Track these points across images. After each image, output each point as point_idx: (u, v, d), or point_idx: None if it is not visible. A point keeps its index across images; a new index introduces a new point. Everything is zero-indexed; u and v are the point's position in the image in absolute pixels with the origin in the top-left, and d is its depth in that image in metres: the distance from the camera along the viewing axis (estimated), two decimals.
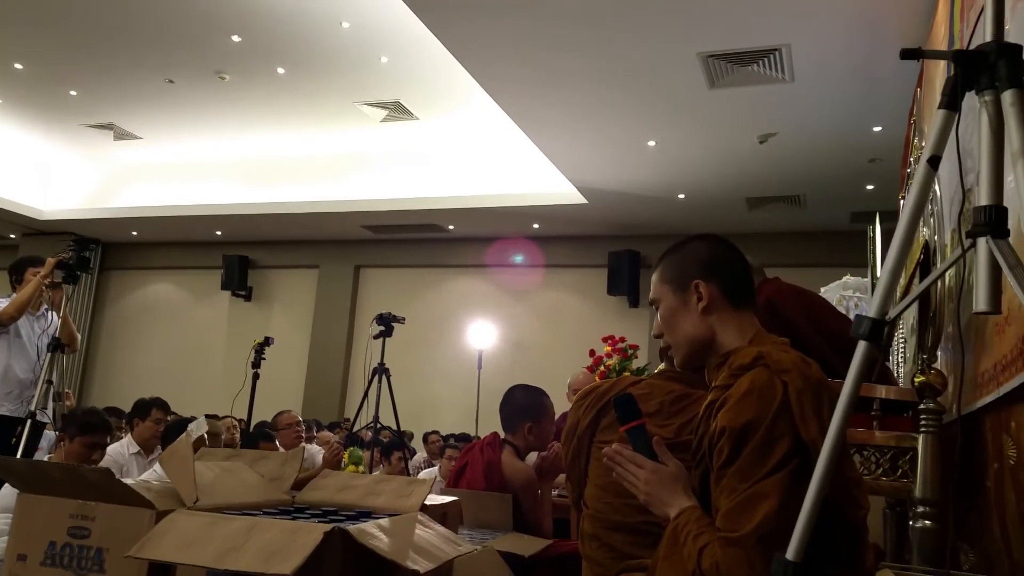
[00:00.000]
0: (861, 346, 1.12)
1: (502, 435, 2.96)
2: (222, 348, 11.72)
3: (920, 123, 3.64)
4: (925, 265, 3.11)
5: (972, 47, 1.13)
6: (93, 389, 12.19)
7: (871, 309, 1.13)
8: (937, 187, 3.13)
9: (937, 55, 0.95)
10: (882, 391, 2.90)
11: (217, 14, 6.56)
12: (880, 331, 1.12)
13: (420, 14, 5.44)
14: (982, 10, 1.10)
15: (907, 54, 1.15)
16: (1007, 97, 1.04)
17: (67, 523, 1.23)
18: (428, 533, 1.35)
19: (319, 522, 1.28)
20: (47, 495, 1.26)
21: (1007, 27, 1.15)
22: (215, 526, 1.15)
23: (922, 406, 2.63)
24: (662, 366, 3.86)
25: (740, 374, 1.47)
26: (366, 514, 1.44)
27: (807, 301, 3.13)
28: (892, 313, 1.11)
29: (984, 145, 1.06)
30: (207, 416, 8.44)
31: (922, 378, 2.67)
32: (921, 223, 3.31)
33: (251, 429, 6.87)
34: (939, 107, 1.10)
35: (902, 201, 3.66)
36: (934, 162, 1.09)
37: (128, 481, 1.31)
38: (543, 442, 2.95)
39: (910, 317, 3.43)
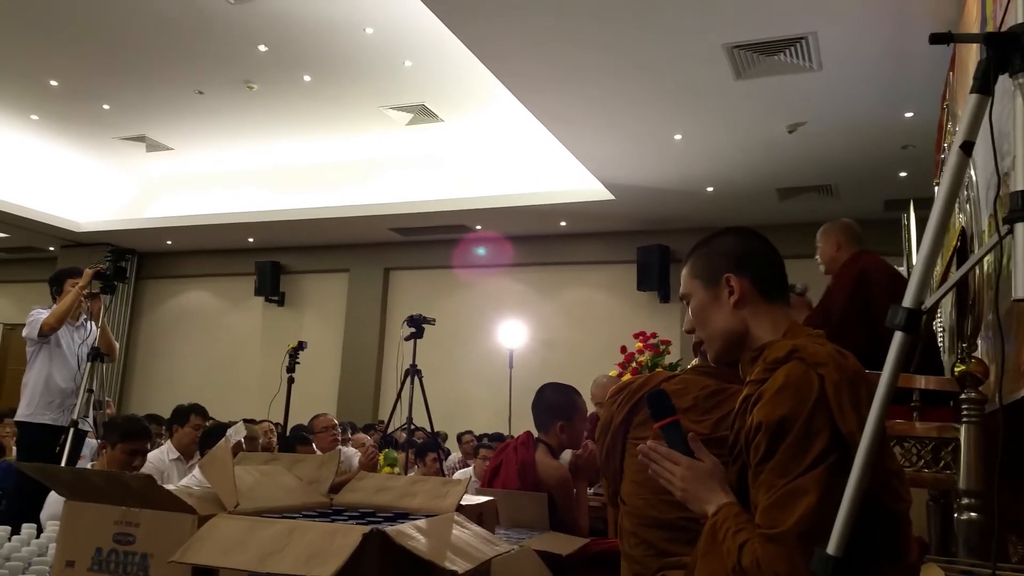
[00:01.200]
0: (897, 336, 1.10)
1: (535, 434, 2.96)
2: (257, 353, 11.86)
3: (953, 107, 3.58)
4: (962, 252, 3.06)
5: (1004, 29, 1.11)
6: (132, 397, 12.40)
7: (907, 299, 1.11)
8: (973, 172, 3.08)
9: (967, 39, 0.93)
10: (922, 381, 2.86)
11: (243, 25, 6.64)
12: (917, 321, 1.11)
13: (442, 17, 5.46)
14: None
15: (937, 38, 1.13)
16: None
17: (112, 529, 1.26)
18: (465, 533, 1.36)
19: (357, 524, 1.29)
20: (92, 502, 1.29)
21: None
22: (255, 530, 1.16)
23: (963, 396, 2.59)
24: (695, 361, 3.84)
25: (775, 368, 1.45)
26: (403, 515, 1.45)
27: (898, 286, 3.14)
28: (928, 302, 1.09)
29: (1019, 129, 1.04)
30: (244, 421, 8.58)
31: (962, 367, 2.63)
32: (957, 209, 3.25)
33: (287, 433, 6.95)
34: (971, 91, 1.08)
35: (936, 188, 3.60)
36: (967, 148, 1.07)
37: (170, 487, 1.33)
38: (576, 440, 2.95)
39: (948, 305, 3.37)
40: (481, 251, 10.37)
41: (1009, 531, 2.61)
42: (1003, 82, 1.07)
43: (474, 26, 5.54)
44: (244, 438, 4.38)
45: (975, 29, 3.92)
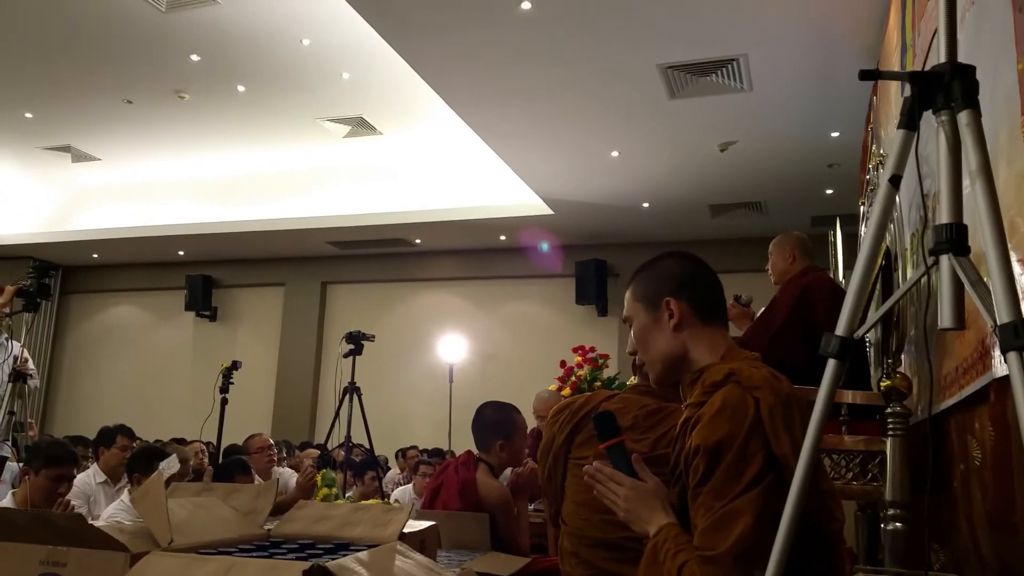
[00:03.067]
0: (831, 364, 1.14)
1: (476, 453, 2.95)
2: (188, 370, 11.55)
3: (877, 129, 3.71)
4: (887, 271, 3.17)
5: (927, 67, 1.16)
6: (56, 417, 11.93)
7: (839, 327, 1.15)
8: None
9: (893, 76, 0.97)
10: (848, 396, 2.95)
11: (175, 34, 6.49)
12: (848, 349, 1.15)
13: (382, 32, 5.44)
14: (935, 32, 1.13)
15: (865, 75, 1.17)
16: (963, 118, 1.07)
17: (38, 569, 1.21)
18: (408, 563, 1.34)
19: (297, 558, 1.26)
20: (14, 542, 1.23)
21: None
22: (190, 568, 1.13)
23: (889, 410, 2.68)
24: (633, 379, 3.89)
25: (712, 391, 1.49)
26: (344, 546, 1.43)
27: (839, 304, 3.21)
28: (860, 331, 1.13)
29: (943, 164, 1.09)
30: (174, 441, 8.33)
31: (888, 382, 2.72)
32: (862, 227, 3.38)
33: (221, 454, 6.78)
34: (898, 127, 1.13)
35: (862, 207, 3.73)
36: (895, 181, 1.11)
37: (100, 523, 1.28)
38: (517, 458, 2.95)
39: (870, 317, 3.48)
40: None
41: (932, 539, 2.70)
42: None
43: (412, 41, 5.54)
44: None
45: (896, 55, 4.08)
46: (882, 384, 2.78)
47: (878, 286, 3.25)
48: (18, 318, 4.93)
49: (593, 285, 9.73)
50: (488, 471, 2.86)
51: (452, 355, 9.86)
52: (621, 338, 9.62)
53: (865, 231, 1.15)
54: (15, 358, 4.58)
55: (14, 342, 4.74)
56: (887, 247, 3.18)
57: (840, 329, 1.14)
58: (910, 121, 1.11)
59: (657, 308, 1.63)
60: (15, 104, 8.11)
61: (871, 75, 1.17)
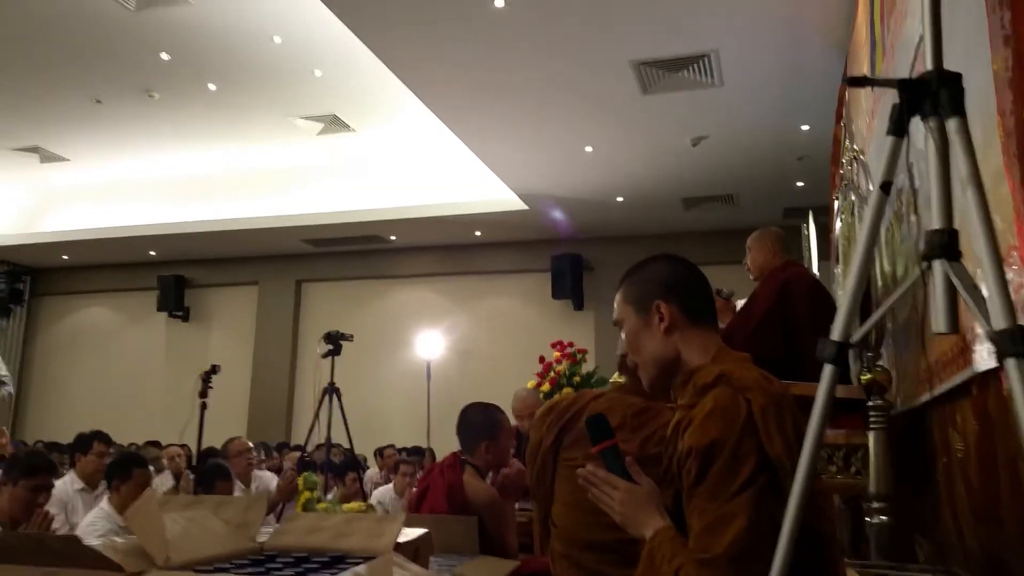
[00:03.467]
0: (827, 369, 1.15)
1: (461, 456, 2.95)
2: (161, 371, 11.42)
3: (850, 125, 3.76)
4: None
5: (914, 73, 1.17)
6: (27, 422, 11.73)
7: (835, 331, 1.16)
8: (871, 185, 3.24)
9: (883, 83, 0.98)
10: None
11: (144, 32, 6.39)
12: (845, 354, 1.16)
13: (354, 28, 5.41)
14: (920, 38, 1.15)
15: (854, 82, 1.18)
16: (951, 125, 1.08)
17: None
18: (405, 574, 1.34)
19: (295, 573, 1.26)
20: (9, 564, 1.21)
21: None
22: None
23: (870, 403, 2.71)
24: (617, 377, 3.90)
25: (704, 393, 1.49)
26: (339, 558, 1.42)
27: (818, 299, 3.25)
28: (856, 336, 1.15)
29: (932, 170, 1.10)
30: (149, 443, 8.22)
31: (868, 376, 2.76)
32: (858, 223, 3.42)
33: (199, 459, 6.70)
34: (887, 133, 1.14)
35: (836, 201, 3.76)
36: (886, 188, 1.13)
37: (93, 541, 1.27)
38: (502, 459, 2.95)
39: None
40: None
41: (916, 531, 2.75)
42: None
43: (385, 38, 5.52)
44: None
45: (865, 50, 4.13)
46: (863, 378, 2.82)
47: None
48: None
49: (568, 279, 9.76)
50: (475, 473, 2.85)
51: (429, 352, 9.84)
52: (599, 332, 9.67)
53: (860, 237, 1.16)
54: None
55: None
56: None
57: (836, 334, 1.15)
58: (899, 128, 1.12)
59: (647, 311, 1.64)
60: None
61: (859, 82, 1.18)
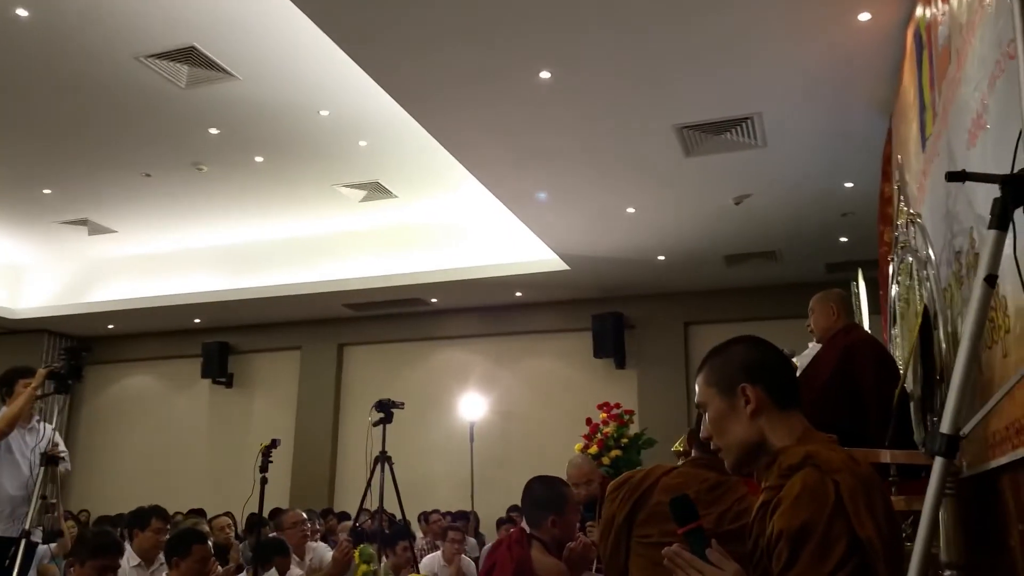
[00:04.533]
0: (938, 463, 1.14)
1: (527, 529, 2.93)
2: (205, 438, 11.51)
3: (904, 188, 3.76)
4: (926, 328, 3.17)
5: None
6: (72, 491, 11.81)
7: (944, 424, 1.16)
8: (931, 251, 3.22)
9: (982, 178, 1.00)
10: (887, 456, 2.92)
11: (195, 109, 6.61)
12: (955, 447, 1.15)
13: (399, 99, 5.54)
14: (1021, 132, 1.16)
15: (953, 177, 1.20)
16: None
17: None
18: None
19: None
20: None
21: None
22: None
23: None
24: (677, 445, 3.87)
25: (790, 474, 1.49)
26: None
27: (883, 364, 3.23)
28: (966, 429, 1.14)
29: None
30: (192, 511, 8.22)
31: None
32: (917, 286, 3.39)
33: (247, 529, 6.70)
34: (989, 227, 1.15)
35: (892, 264, 3.74)
36: (991, 280, 1.13)
37: None
38: (570, 533, 2.92)
39: (910, 379, 3.48)
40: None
41: None
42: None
43: (435, 113, 5.66)
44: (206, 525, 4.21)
45: (913, 112, 4.15)
46: (926, 438, 2.76)
47: (915, 348, 3.26)
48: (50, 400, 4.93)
49: (610, 338, 9.73)
50: (542, 548, 2.83)
51: (472, 413, 9.80)
52: (642, 391, 9.59)
53: (964, 331, 1.16)
54: (48, 441, 4.56)
55: (46, 424, 4.73)
56: (925, 306, 3.20)
57: (946, 426, 1.15)
58: (1002, 221, 1.13)
59: (732, 394, 1.64)
60: (34, 181, 8.23)
61: (958, 177, 1.20)
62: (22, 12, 5.30)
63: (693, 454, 2.54)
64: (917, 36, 4.05)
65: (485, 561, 3.04)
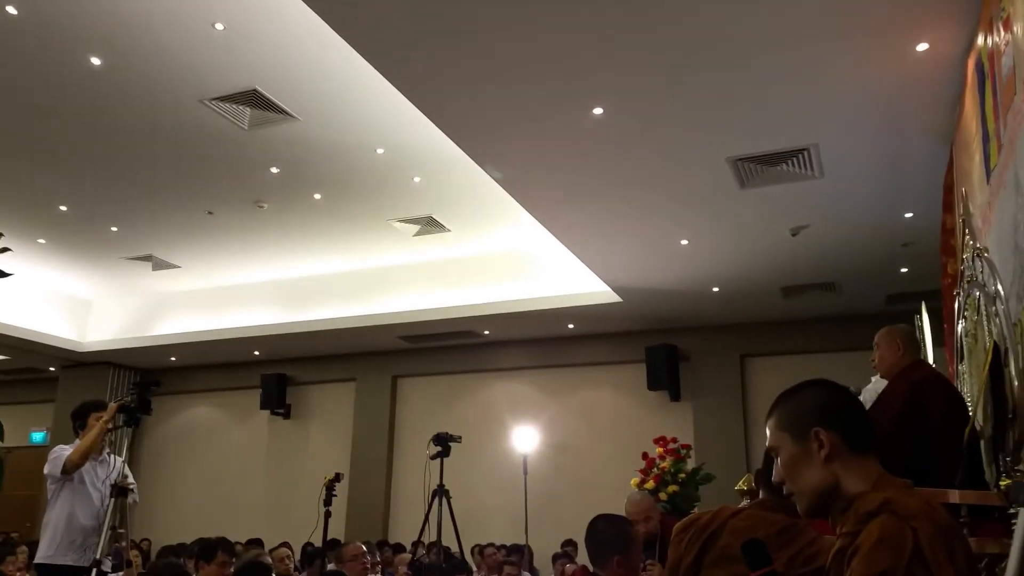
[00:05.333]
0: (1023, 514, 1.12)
1: (591, 568, 2.92)
2: (263, 468, 11.68)
3: (970, 220, 3.69)
4: (995, 365, 3.10)
5: None
6: (134, 518, 12.09)
7: None
8: (999, 285, 3.15)
9: None
10: (957, 496, 2.84)
11: (257, 149, 6.82)
12: None
13: (454, 137, 5.64)
14: None
15: None
16: None
17: None
18: None
19: None
20: None
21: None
22: None
23: (1012, 510, 2.57)
24: (742, 484, 3.83)
25: (867, 520, 1.48)
26: None
27: (953, 402, 3.17)
28: None
29: None
30: (251, 541, 8.33)
31: (1008, 481, 2.63)
32: (986, 323, 3.32)
33: (303, 560, 6.78)
34: None
35: (958, 299, 3.67)
36: None
37: None
38: (633, 573, 2.90)
39: (979, 413, 3.39)
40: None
41: None
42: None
43: (487, 148, 5.74)
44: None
45: (976, 143, 4.09)
46: (1002, 483, 2.69)
47: (986, 386, 3.18)
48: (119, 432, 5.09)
49: (664, 370, 9.64)
50: None
51: (525, 445, 9.77)
52: (697, 424, 9.47)
53: None
54: (119, 473, 4.70)
55: (116, 457, 4.87)
56: (995, 342, 3.12)
57: None
58: None
59: (806, 439, 1.63)
60: (102, 219, 8.55)
61: None
62: (96, 60, 5.56)
63: (760, 495, 2.51)
64: (979, 65, 4.00)
65: None
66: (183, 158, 7.04)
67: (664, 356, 9.65)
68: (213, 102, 6.05)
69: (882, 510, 1.47)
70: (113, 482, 4.69)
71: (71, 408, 4.97)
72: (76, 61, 5.58)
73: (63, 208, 8.30)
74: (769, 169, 5.86)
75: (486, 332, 10.24)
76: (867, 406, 3.79)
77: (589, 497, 8.48)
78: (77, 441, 4.72)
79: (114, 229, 8.83)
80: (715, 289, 8.51)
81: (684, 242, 7.27)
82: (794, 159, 5.70)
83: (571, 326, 9.92)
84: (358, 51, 4.66)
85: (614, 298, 8.81)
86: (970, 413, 3.23)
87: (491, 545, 8.16)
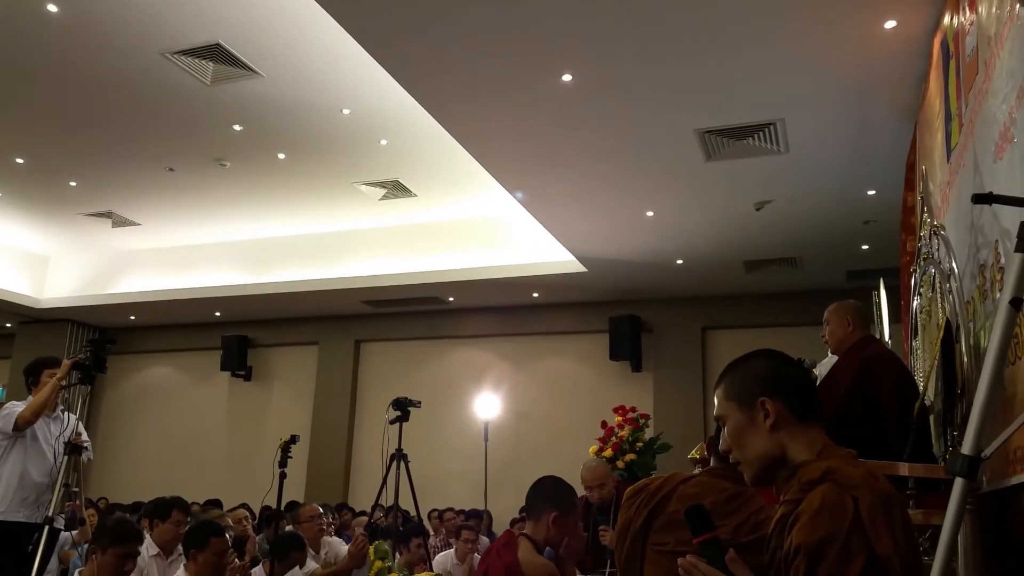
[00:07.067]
0: (959, 484, 1.15)
1: (516, 531, 2.91)
2: (223, 430, 11.61)
3: (928, 199, 3.74)
4: (947, 342, 3.16)
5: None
6: (91, 480, 11.95)
7: (966, 445, 1.17)
8: (954, 263, 3.20)
9: (1011, 201, 1.00)
10: (906, 469, 2.91)
11: (219, 105, 6.67)
12: (976, 468, 1.16)
13: (421, 100, 5.57)
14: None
15: (979, 199, 1.21)
16: None
17: None
18: None
19: None
20: None
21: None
22: None
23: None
24: (694, 452, 3.87)
25: (809, 489, 1.50)
26: None
27: (903, 380, 3.22)
28: (988, 450, 1.15)
29: None
30: (209, 502, 8.31)
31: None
32: (940, 300, 3.38)
33: (261, 521, 6.77)
34: (1015, 250, 1.15)
35: (914, 275, 3.72)
36: (1016, 304, 1.14)
37: None
38: (560, 541, 2.86)
39: (930, 388, 3.47)
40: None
41: None
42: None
43: (457, 114, 5.68)
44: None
45: (939, 122, 4.13)
46: (948, 457, 2.75)
47: (937, 360, 3.25)
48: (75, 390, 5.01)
49: (627, 341, 9.72)
50: (530, 547, 2.78)
51: (487, 412, 9.83)
52: (657, 394, 9.58)
53: (988, 352, 1.17)
54: (72, 430, 4.64)
55: (70, 415, 4.80)
56: (947, 319, 3.18)
57: (967, 447, 1.16)
58: None
59: (752, 408, 1.64)
60: (61, 174, 8.34)
61: (984, 199, 1.20)
62: (52, 8, 5.38)
63: (711, 463, 2.53)
64: (944, 45, 4.02)
65: (480, 565, 3.02)
66: (144, 112, 6.87)
67: (627, 327, 9.73)
68: (175, 55, 5.90)
69: (824, 479, 1.49)
70: (67, 439, 4.64)
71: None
72: (32, 7, 5.39)
73: (19, 161, 8.08)
74: (735, 143, 5.88)
75: (451, 299, 10.23)
76: (819, 382, 3.86)
77: (548, 464, 8.47)
78: (30, 398, 4.66)
79: (73, 184, 8.62)
80: (679, 261, 8.57)
81: (650, 213, 7.30)
82: (760, 133, 5.72)
83: (536, 295, 9.94)
84: (324, 8, 4.56)
85: (579, 268, 8.84)
86: (920, 389, 3.30)
87: (450, 510, 8.22)
